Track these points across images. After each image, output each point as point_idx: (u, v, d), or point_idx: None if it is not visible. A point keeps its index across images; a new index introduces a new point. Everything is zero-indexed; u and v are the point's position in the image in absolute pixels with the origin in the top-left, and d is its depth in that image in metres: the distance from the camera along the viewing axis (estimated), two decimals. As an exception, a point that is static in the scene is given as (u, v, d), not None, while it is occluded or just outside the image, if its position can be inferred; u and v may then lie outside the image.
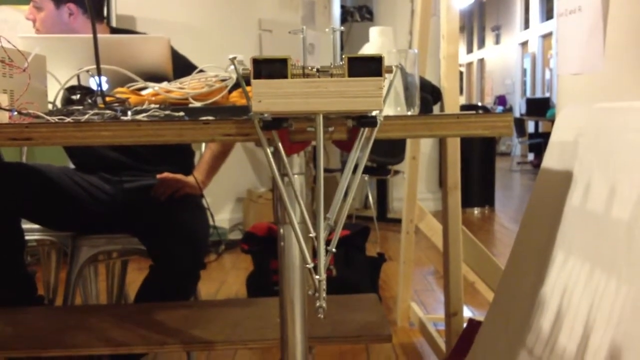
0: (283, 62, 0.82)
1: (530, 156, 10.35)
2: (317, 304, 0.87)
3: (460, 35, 1.99)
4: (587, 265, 1.11)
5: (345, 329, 1.53)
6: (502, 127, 0.94)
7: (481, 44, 16.12)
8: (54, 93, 1.25)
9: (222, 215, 4.24)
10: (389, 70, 0.87)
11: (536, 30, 11.58)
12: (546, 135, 8.89)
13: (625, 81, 1.23)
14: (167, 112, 1.06)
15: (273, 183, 1.05)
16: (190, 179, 1.96)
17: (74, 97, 1.22)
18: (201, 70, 1.31)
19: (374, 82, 0.82)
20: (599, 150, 1.18)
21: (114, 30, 2.18)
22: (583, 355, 1.03)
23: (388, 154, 4.60)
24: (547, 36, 11.15)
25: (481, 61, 16.07)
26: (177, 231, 1.75)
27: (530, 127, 10.53)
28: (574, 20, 1.36)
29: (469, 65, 17.17)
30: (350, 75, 0.83)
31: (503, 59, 13.92)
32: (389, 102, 1.08)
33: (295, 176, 1.02)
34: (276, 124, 0.87)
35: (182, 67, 1.63)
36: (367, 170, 4.67)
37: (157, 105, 1.12)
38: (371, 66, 0.83)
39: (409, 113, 1.12)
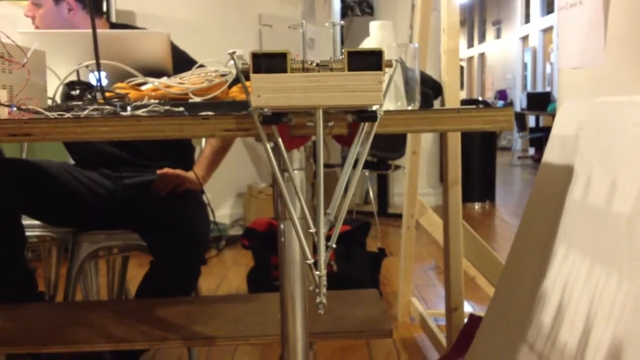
0: (282, 56, 0.82)
1: (531, 151, 10.34)
2: (318, 300, 0.87)
3: (460, 29, 1.98)
4: (588, 260, 1.11)
5: (346, 324, 1.53)
6: (502, 121, 0.94)
7: (482, 38, 16.09)
8: (54, 88, 1.25)
9: (223, 210, 4.24)
10: (389, 65, 0.86)
11: (537, 24, 11.56)
12: (547, 130, 8.89)
13: (626, 75, 1.22)
14: (167, 107, 1.06)
15: (273, 178, 1.05)
16: (190, 174, 1.96)
17: (73, 92, 1.22)
18: (201, 65, 1.31)
19: (374, 76, 0.82)
20: (600, 145, 1.17)
21: (113, 26, 2.17)
22: (584, 350, 1.03)
23: (388, 148, 4.60)
24: (547, 30, 11.13)
25: (482, 55, 16.04)
26: (177, 227, 1.75)
27: (531, 121, 10.52)
28: (575, 14, 1.35)
29: (470, 59, 17.14)
30: (350, 70, 0.83)
31: (504, 53, 13.90)
32: (389, 97, 1.08)
33: (296, 171, 1.02)
34: (276, 118, 0.87)
35: (181, 62, 1.62)
36: (367, 165, 4.67)
37: (157, 101, 1.11)
38: (371, 60, 0.82)
39: (410, 108, 1.12)
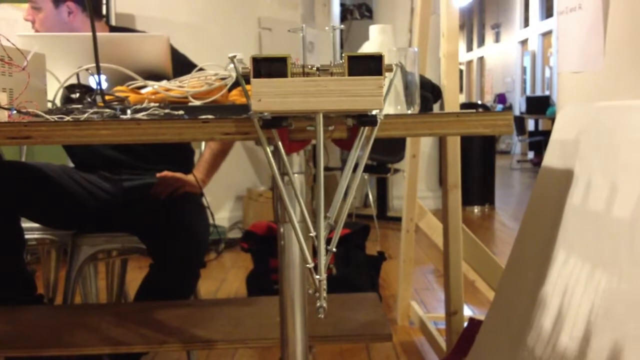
0: (283, 60, 0.82)
1: (530, 154, 10.35)
2: (318, 304, 0.86)
3: (459, 33, 1.99)
4: (588, 264, 1.10)
5: (345, 327, 1.53)
6: (502, 125, 0.94)
7: (481, 42, 16.11)
8: (54, 91, 1.25)
9: (222, 213, 4.23)
10: (389, 69, 0.86)
11: (536, 28, 11.58)
12: (546, 134, 8.90)
13: (626, 79, 1.22)
14: (167, 110, 1.06)
15: (273, 182, 1.05)
16: (190, 177, 1.96)
17: (73, 95, 1.22)
18: (201, 69, 1.31)
19: (374, 81, 0.82)
20: (600, 149, 1.17)
21: (113, 29, 2.17)
22: (584, 355, 1.03)
23: (388, 152, 4.60)
24: (546, 34, 11.15)
25: (481, 59, 16.06)
26: (177, 230, 1.75)
27: (530, 125, 10.53)
28: (575, 18, 1.35)
29: (469, 63, 17.16)
30: (350, 74, 0.83)
31: (503, 57, 13.91)
32: (389, 101, 1.08)
33: (295, 175, 1.02)
34: (276, 122, 0.87)
35: (181, 65, 1.62)
36: (367, 169, 4.67)
37: (157, 104, 1.11)
38: (371, 65, 0.82)
39: (409, 112, 1.12)
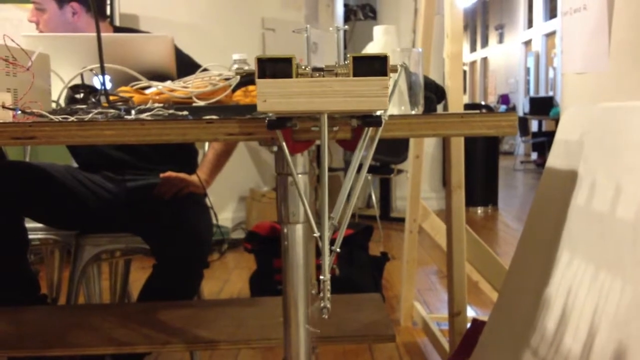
0: (288, 61, 0.82)
1: (534, 155, 10.33)
2: (322, 305, 0.86)
3: (463, 33, 1.98)
4: (592, 265, 1.10)
5: (348, 328, 1.53)
6: (506, 126, 0.94)
7: (484, 42, 16.10)
8: (58, 92, 1.25)
9: (225, 214, 4.24)
10: (394, 70, 0.86)
11: (540, 29, 11.56)
12: (549, 134, 8.88)
13: (631, 80, 1.22)
14: (171, 111, 1.06)
15: (276, 182, 1.05)
16: (193, 177, 1.96)
17: (77, 96, 1.22)
18: (205, 69, 1.31)
19: (379, 81, 0.82)
20: (604, 150, 1.17)
21: (117, 30, 2.18)
22: (588, 356, 1.03)
23: (391, 152, 4.60)
24: (550, 35, 11.14)
25: (484, 60, 16.05)
26: (180, 230, 1.75)
27: (534, 126, 10.52)
28: (579, 19, 1.35)
29: (473, 63, 17.15)
30: (355, 75, 0.83)
31: (506, 57, 13.90)
32: (392, 102, 1.08)
33: (299, 175, 1.02)
34: (281, 123, 0.87)
35: (185, 66, 1.63)
36: (370, 169, 4.67)
37: (161, 104, 1.11)
38: (376, 66, 0.82)
39: (413, 112, 1.12)
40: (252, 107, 1.01)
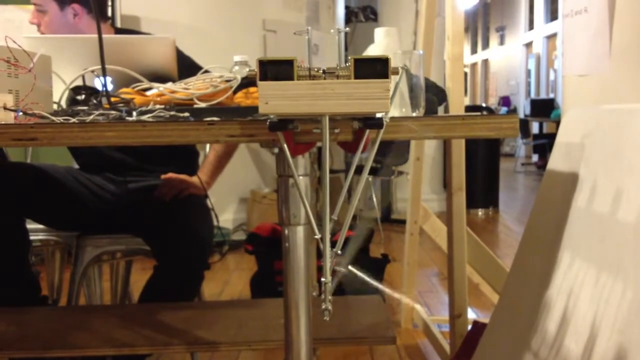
0: (289, 63, 0.82)
1: (535, 157, 10.33)
2: (323, 307, 0.86)
3: (464, 35, 1.99)
4: (593, 267, 1.10)
5: (349, 330, 1.53)
6: (507, 128, 0.94)
7: (485, 44, 16.10)
8: (59, 93, 1.26)
9: (226, 215, 4.24)
10: (395, 72, 0.86)
11: (541, 31, 11.56)
12: (550, 136, 8.88)
13: (631, 82, 1.22)
14: (172, 112, 1.06)
15: (278, 184, 1.05)
16: (194, 179, 1.96)
17: (79, 97, 1.22)
18: (206, 71, 1.31)
19: (381, 84, 0.82)
20: (605, 152, 1.17)
21: (119, 31, 2.18)
22: (589, 359, 1.03)
23: (392, 154, 4.60)
24: (551, 37, 11.14)
25: (485, 62, 16.05)
26: (181, 231, 1.75)
27: (535, 128, 10.51)
28: (580, 21, 1.35)
29: (473, 65, 17.15)
30: (356, 77, 0.83)
31: (507, 59, 13.90)
32: (394, 104, 1.08)
33: (301, 177, 1.02)
34: (282, 125, 0.87)
35: (186, 67, 1.63)
36: (371, 171, 4.66)
37: (162, 106, 1.12)
38: (377, 68, 0.82)
39: (414, 114, 1.12)
40: (253, 109, 1.01)
